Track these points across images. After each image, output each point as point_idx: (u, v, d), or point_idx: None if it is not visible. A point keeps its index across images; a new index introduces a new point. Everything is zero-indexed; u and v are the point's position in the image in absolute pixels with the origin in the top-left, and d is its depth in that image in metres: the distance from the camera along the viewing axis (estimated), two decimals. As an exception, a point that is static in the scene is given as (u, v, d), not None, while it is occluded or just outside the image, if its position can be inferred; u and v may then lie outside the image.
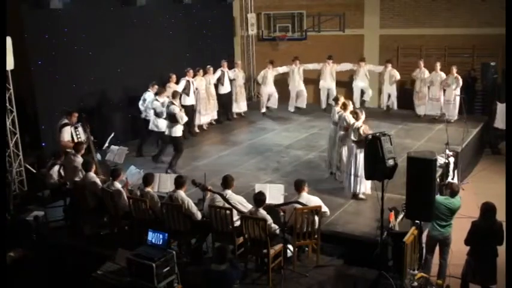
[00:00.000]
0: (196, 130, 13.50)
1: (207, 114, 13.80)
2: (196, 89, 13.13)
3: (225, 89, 14.22)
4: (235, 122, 14.69)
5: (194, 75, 13.06)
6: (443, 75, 13.30)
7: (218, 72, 13.97)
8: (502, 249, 6.62)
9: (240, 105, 14.87)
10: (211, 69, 13.76)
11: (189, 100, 12.86)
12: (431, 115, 13.76)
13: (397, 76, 14.05)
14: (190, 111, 12.93)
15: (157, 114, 10.99)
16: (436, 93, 13.49)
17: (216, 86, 14.07)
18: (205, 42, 15.36)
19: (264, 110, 15.21)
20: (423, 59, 13.98)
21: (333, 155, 9.83)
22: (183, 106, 12.49)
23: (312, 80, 15.61)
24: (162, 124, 10.99)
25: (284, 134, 13.39)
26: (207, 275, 6.07)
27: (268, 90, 15.02)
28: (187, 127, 12.95)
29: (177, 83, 12.60)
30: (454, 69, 13.15)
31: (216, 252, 6.16)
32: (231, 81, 14.41)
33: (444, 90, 13.34)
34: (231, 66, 14.56)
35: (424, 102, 13.80)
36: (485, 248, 6.69)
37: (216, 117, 14.27)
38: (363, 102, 14.78)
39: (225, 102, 14.46)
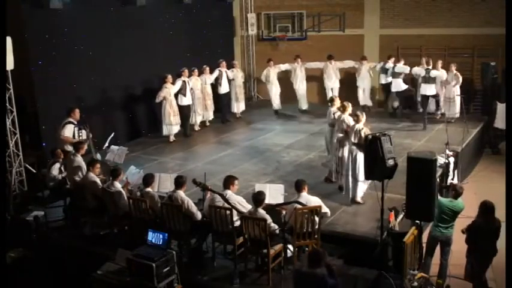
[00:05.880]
0: (196, 128, 13.52)
1: (203, 114, 13.75)
2: (192, 89, 13.08)
3: (223, 89, 14.15)
4: (234, 122, 14.66)
5: (189, 75, 13.03)
6: (444, 73, 13.31)
7: (216, 72, 13.92)
8: (499, 246, 6.63)
9: (238, 106, 14.83)
10: (207, 69, 13.73)
11: (185, 100, 12.84)
12: (431, 112, 13.80)
13: None
14: (187, 111, 12.98)
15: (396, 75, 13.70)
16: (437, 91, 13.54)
17: (215, 86, 14.03)
18: (205, 42, 15.35)
19: (276, 107, 15.17)
20: (426, 57, 13.97)
21: (331, 157, 9.72)
22: (179, 107, 12.69)
23: (315, 79, 15.61)
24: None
25: (284, 134, 13.38)
26: (298, 276, 5.76)
27: (274, 88, 15.01)
28: (184, 128, 13.04)
29: (173, 83, 12.54)
30: (453, 67, 13.18)
31: (310, 256, 5.76)
32: (230, 81, 14.37)
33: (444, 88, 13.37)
34: (229, 66, 14.48)
35: None
36: (485, 247, 6.70)
37: (211, 117, 14.16)
38: (364, 106, 14.75)
39: (223, 102, 14.41)
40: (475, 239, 6.74)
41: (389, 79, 13.84)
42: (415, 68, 13.45)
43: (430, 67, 13.03)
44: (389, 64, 13.84)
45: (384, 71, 13.98)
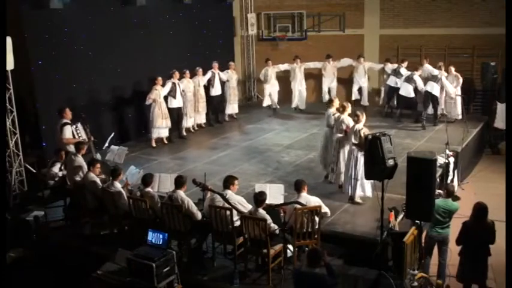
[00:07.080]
0: (184, 133, 13.19)
1: (195, 117, 13.56)
2: (183, 91, 12.87)
3: (215, 91, 13.98)
4: (229, 123, 14.60)
5: (181, 77, 12.81)
6: (445, 74, 13.31)
7: (208, 74, 13.74)
8: (494, 248, 6.62)
9: (233, 107, 14.73)
10: (200, 70, 13.52)
11: (175, 103, 12.58)
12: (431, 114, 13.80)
13: None
14: (176, 114, 12.76)
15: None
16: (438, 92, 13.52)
17: (207, 88, 13.89)
18: (205, 42, 15.36)
19: (272, 105, 15.16)
20: (428, 59, 13.96)
21: (327, 158, 9.70)
22: (169, 109, 12.44)
23: (314, 78, 15.60)
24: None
25: (284, 134, 13.38)
26: (298, 276, 5.80)
27: (271, 88, 15.00)
28: (176, 130, 12.91)
29: (162, 85, 12.26)
30: (452, 68, 13.22)
31: (309, 255, 5.79)
32: (224, 82, 14.26)
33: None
34: (223, 67, 14.26)
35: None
36: (477, 248, 6.70)
37: (204, 120, 13.96)
38: (359, 103, 14.71)
39: (215, 104, 14.25)
40: (465, 240, 6.75)
41: (399, 83, 13.41)
42: (428, 66, 13.33)
43: (443, 70, 13.04)
44: (403, 69, 13.55)
45: (396, 73, 13.67)
